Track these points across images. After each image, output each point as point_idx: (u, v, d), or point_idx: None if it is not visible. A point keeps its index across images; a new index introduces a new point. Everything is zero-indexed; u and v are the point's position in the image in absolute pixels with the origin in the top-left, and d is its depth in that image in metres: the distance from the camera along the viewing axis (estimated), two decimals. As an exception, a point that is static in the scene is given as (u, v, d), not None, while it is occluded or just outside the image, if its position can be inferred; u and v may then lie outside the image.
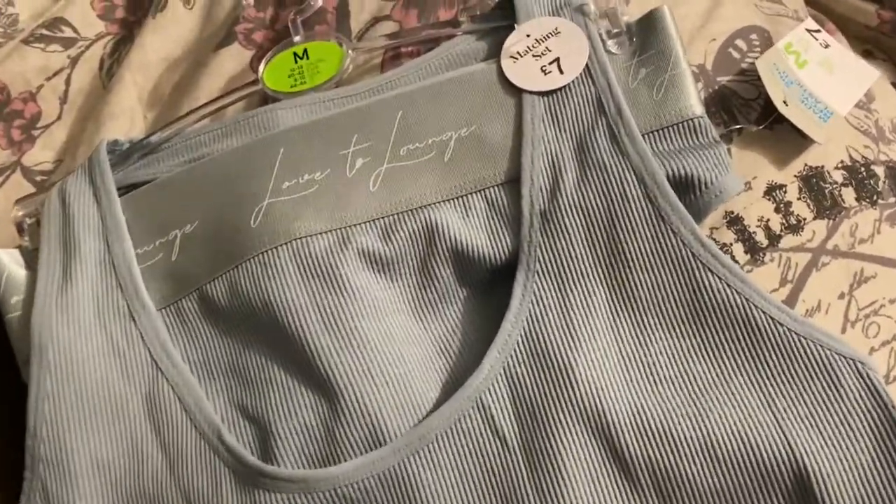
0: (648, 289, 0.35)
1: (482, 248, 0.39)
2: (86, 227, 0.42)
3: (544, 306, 0.36)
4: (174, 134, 0.46)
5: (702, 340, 0.34)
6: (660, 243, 0.36)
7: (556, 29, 0.42)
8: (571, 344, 0.35)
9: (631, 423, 0.33)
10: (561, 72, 0.41)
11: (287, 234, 0.39)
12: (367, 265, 0.39)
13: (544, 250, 0.37)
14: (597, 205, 0.37)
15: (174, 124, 0.47)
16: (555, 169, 0.38)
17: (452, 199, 0.40)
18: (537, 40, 0.42)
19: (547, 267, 0.37)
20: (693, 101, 0.39)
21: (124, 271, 0.41)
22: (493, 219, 0.39)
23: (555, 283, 0.36)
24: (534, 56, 0.42)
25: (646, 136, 0.38)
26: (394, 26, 0.48)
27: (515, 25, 0.43)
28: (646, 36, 0.41)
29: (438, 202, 0.40)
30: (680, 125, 0.39)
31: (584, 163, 0.38)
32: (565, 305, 0.36)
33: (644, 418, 0.33)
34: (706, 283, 0.35)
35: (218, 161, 0.43)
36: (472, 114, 0.41)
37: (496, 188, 0.39)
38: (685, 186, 0.37)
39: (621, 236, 0.36)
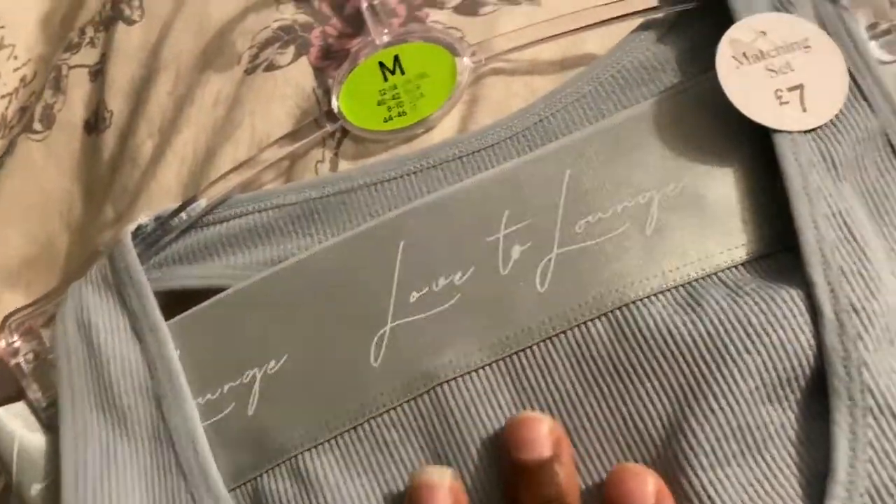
0: None
1: (733, 364, 0.25)
2: (128, 379, 0.29)
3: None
4: (217, 203, 0.31)
5: None
6: None
7: (806, 40, 0.27)
8: None
9: None
10: (804, 109, 0.27)
11: (428, 379, 0.27)
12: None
13: (874, 372, 0.24)
14: None
15: (212, 187, 0.32)
16: (852, 240, 0.26)
17: (670, 290, 0.26)
18: (775, 47, 0.28)
19: (884, 400, 0.24)
20: None
21: (186, 446, 0.28)
22: (743, 317, 0.25)
23: None
24: (768, 69, 0.27)
25: None
26: (529, 13, 0.33)
27: (732, 11, 0.29)
28: None
29: (649, 295, 0.26)
30: None
31: (891, 234, 0.27)
32: None
33: None
34: None
35: (308, 264, 0.29)
36: (680, 162, 0.28)
37: (737, 269, 0.27)
38: None
39: None
